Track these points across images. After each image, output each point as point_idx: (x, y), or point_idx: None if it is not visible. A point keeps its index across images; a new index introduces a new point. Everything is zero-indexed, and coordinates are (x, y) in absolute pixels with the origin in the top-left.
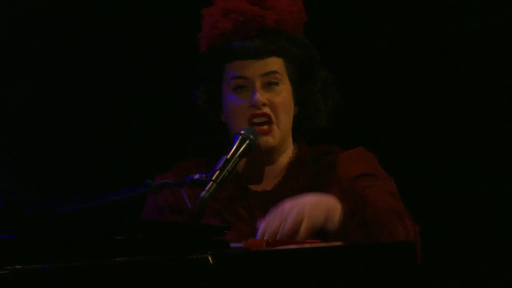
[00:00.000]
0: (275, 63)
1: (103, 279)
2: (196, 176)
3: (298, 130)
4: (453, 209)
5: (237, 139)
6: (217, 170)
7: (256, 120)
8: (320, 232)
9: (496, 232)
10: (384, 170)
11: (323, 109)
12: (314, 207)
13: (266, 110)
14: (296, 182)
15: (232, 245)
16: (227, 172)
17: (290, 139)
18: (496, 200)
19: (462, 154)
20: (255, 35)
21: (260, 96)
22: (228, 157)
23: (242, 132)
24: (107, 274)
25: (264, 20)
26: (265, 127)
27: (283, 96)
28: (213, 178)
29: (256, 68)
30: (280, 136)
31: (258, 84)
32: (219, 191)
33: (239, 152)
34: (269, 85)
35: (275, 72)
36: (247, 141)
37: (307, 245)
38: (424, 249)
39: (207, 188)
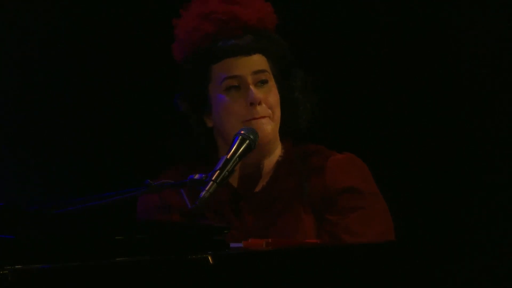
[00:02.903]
0: (262, 61)
1: (103, 279)
2: (196, 176)
3: (281, 131)
4: (451, 209)
5: (237, 139)
6: (217, 170)
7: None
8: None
9: (495, 232)
10: (373, 179)
11: (303, 109)
12: None
13: (264, 112)
14: (285, 182)
15: (232, 245)
16: (227, 172)
17: (278, 139)
18: (495, 200)
19: (459, 154)
20: (239, 33)
21: (257, 92)
22: (228, 157)
23: (242, 132)
24: (107, 274)
25: (247, 18)
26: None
27: (274, 94)
28: (213, 178)
29: (245, 66)
30: (275, 129)
31: (250, 80)
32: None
33: (239, 152)
34: (261, 83)
35: (264, 70)
36: (247, 141)
37: (307, 245)
38: (423, 248)
39: (207, 188)
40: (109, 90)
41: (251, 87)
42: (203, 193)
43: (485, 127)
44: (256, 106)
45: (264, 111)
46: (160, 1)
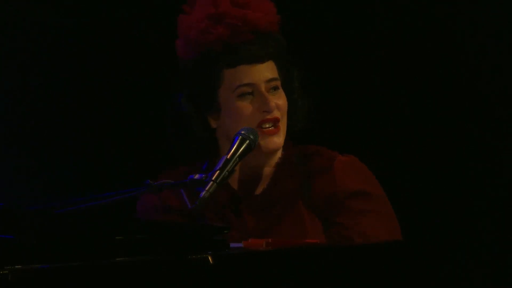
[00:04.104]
0: (273, 68)
1: (103, 279)
2: (196, 176)
3: None
4: (451, 209)
5: (237, 139)
6: (217, 170)
7: (266, 125)
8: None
9: (495, 232)
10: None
11: (300, 110)
12: None
13: (277, 114)
14: (285, 184)
15: (232, 245)
16: (227, 172)
17: None
18: (494, 200)
19: (460, 154)
20: (252, 39)
21: (272, 100)
22: (228, 157)
23: (242, 132)
24: (107, 274)
25: (259, 23)
26: (272, 128)
27: (284, 99)
28: (213, 178)
29: (259, 73)
30: (283, 136)
31: (263, 88)
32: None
33: (239, 152)
34: (273, 89)
35: (276, 78)
36: (247, 141)
37: (307, 245)
38: (423, 249)
39: (207, 188)
40: (109, 90)
41: (266, 95)
42: (203, 193)
43: (485, 127)
44: (272, 111)
45: (276, 113)
46: (160, 1)
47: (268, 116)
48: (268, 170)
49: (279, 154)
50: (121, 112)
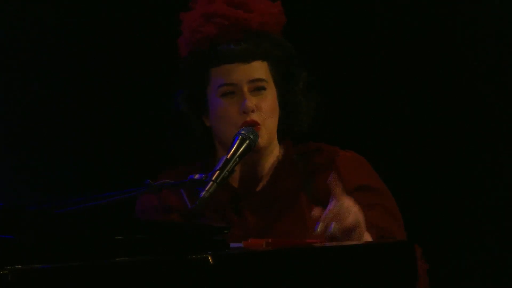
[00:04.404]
0: (261, 68)
1: (103, 279)
2: (196, 176)
3: (282, 132)
4: (451, 209)
5: (237, 139)
6: (217, 170)
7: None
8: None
9: (495, 232)
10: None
11: (305, 111)
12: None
13: (255, 117)
14: (285, 182)
15: (232, 245)
16: (227, 172)
17: (276, 141)
18: (494, 200)
19: (460, 154)
20: (240, 38)
21: (250, 102)
22: (228, 157)
23: (242, 132)
24: (107, 274)
25: (248, 23)
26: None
27: (269, 100)
28: (213, 178)
29: (242, 74)
30: (268, 137)
31: (245, 89)
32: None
33: (239, 152)
34: (257, 90)
35: (261, 80)
36: (247, 141)
37: (307, 245)
38: (424, 250)
39: (207, 188)
40: (109, 90)
41: (246, 95)
42: (203, 193)
43: (485, 127)
44: (249, 113)
45: (257, 117)
46: (160, 1)
47: (247, 119)
48: (267, 168)
49: (278, 153)
50: (121, 112)
